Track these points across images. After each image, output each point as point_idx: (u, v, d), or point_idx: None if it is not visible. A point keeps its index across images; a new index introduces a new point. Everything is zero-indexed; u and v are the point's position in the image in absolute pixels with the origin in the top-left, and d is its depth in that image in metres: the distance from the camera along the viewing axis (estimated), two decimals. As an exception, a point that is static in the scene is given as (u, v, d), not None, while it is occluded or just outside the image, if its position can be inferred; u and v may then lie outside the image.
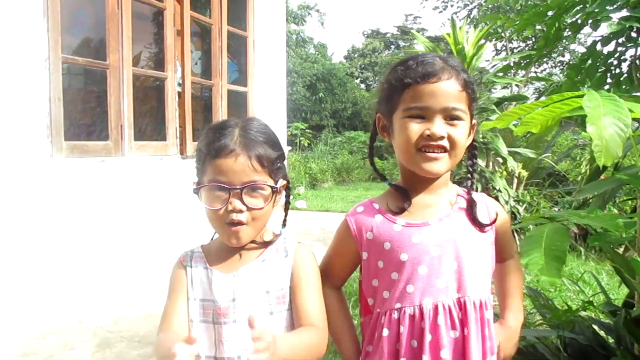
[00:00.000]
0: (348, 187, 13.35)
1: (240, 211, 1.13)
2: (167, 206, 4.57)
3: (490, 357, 1.15)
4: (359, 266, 1.26)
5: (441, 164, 1.13)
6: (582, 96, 1.15)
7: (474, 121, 1.20)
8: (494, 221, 1.21)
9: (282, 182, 1.22)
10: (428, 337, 1.11)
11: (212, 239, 1.31)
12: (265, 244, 1.23)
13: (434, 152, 1.12)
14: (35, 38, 3.51)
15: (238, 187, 1.13)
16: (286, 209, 1.32)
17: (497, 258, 1.24)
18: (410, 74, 1.12)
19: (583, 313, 2.39)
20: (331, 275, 1.28)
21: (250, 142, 1.15)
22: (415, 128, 1.11)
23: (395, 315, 1.15)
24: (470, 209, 1.20)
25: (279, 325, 1.18)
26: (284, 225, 1.32)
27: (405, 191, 1.20)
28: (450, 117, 1.12)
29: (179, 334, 1.14)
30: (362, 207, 1.24)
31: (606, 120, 1.05)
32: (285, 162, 1.26)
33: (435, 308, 1.12)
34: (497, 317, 1.30)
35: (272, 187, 1.16)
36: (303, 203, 9.41)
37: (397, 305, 1.14)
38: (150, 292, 3.98)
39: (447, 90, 1.11)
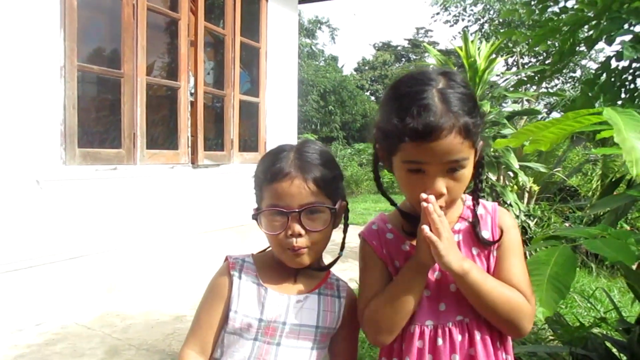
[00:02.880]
0: (357, 199, 13.34)
1: (300, 235, 1.12)
2: (177, 215, 4.59)
3: None
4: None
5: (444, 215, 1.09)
6: (595, 114, 1.15)
7: (480, 142, 1.11)
8: (499, 239, 1.16)
9: (340, 203, 1.21)
10: (428, 358, 1.11)
11: (263, 250, 1.28)
12: (322, 272, 1.25)
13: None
14: (52, 46, 3.56)
15: (296, 210, 1.12)
16: (345, 230, 1.31)
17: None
18: (406, 131, 1.00)
19: (595, 330, 2.37)
20: (370, 295, 1.18)
21: (305, 165, 1.14)
22: (415, 182, 1.06)
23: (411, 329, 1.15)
24: (473, 228, 1.16)
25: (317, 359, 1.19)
26: (342, 249, 1.31)
27: (413, 218, 1.14)
28: (451, 169, 1.05)
29: None
30: (375, 225, 1.23)
31: (631, 134, 1.04)
32: (342, 183, 1.25)
33: (435, 329, 1.12)
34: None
35: (330, 209, 1.16)
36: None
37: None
38: (160, 300, 3.99)
39: (447, 147, 1.01)
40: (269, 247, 1.24)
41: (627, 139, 1.01)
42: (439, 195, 1.04)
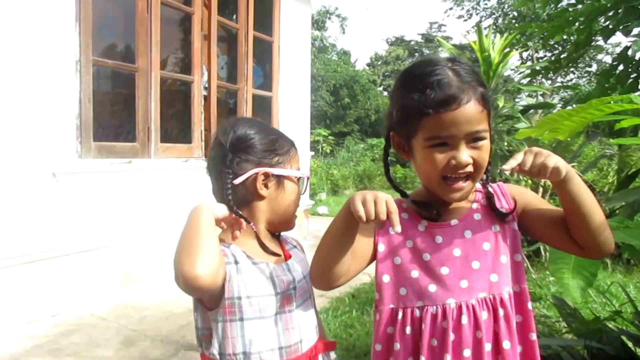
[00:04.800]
0: (369, 194, 13.31)
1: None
2: (191, 207, 4.62)
3: (518, 347, 1.14)
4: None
5: (465, 191, 1.10)
6: (618, 101, 1.14)
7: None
8: (514, 209, 1.17)
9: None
10: (451, 337, 1.10)
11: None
12: (279, 236, 1.32)
13: (458, 180, 1.09)
14: (67, 41, 3.60)
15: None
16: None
17: (549, 226, 1.15)
18: (428, 102, 1.03)
19: (610, 324, 2.35)
20: None
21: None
22: (440, 158, 1.06)
23: (417, 313, 1.13)
24: (489, 202, 1.18)
25: (313, 304, 1.27)
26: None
27: (429, 205, 1.17)
28: (474, 139, 1.06)
29: None
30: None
31: None
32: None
33: (459, 308, 1.11)
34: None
35: None
36: (325, 209, 9.42)
37: (419, 304, 1.13)
38: (174, 292, 4.02)
39: (469, 115, 1.04)
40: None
41: None
42: (465, 165, 1.05)
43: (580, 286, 1.32)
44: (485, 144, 1.08)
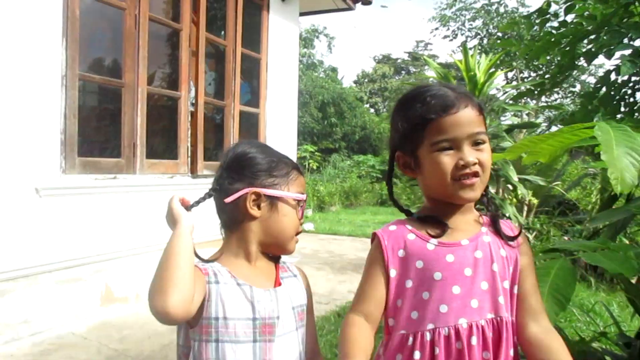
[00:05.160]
0: (356, 211, 13.33)
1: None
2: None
3: None
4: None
5: (477, 189, 1.16)
6: (591, 127, 1.16)
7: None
8: (519, 233, 1.22)
9: None
10: (466, 358, 1.10)
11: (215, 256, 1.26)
12: (278, 260, 1.30)
13: (468, 178, 1.14)
14: (53, 55, 3.57)
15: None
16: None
17: (521, 317, 1.18)
18: (431, 108, 1.15)
19: (595, 344, 2.35)
20: (363, 302, 1.19)
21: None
22: (448, 160, 1.14)
23: (427, 336, 1.12)
24: (494, 223, 1.22)
25: (299, 341, 1.22)
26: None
27: (436, 218, 1.20)
28: (476, 142, 1.15)
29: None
30: (394, 226, 1.23)
31: (620, 150, 1.05)
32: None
33: (470, 328, 1.12)
34: None
35: None
36: (311, 225, 9.39)
37: (430, 326, 1.12)
38: (156, 310, 3.96)
39: (469, 117, 1.15)
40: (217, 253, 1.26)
41: (614, 156, 1.02)
42: (472, 164, 1.13)
43: (553, 310, 1.32)
44: (487, 147, 1.17)
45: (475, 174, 1.14)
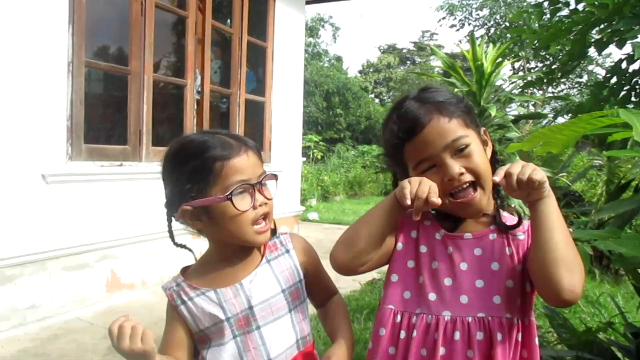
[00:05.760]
0: (360, 201, 13.32)
1: (266, 204, 1.15)
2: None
3: None
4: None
5: (477, 201, 1.10)
6: (606, 116, 1.15)
7: (482, 129, 1.17)
8: (519, 222, 1.16)
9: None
10: (441, 350, 1.08)
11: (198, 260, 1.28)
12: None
13: (464, 192, 1.09)
14: (60, 42, 3.57)
15: (257, 181, 1.14)
16: None
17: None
18: (396, 135, 1.12)
19: (600, 335, 2.35)
20: None
21: (243, 138, 1.19)
22: (435, 179, 1.08)
23: (414, 319, 1.13)
24: (496, 215, 1.18)
25: (299, 318, 1.21)
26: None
27: (448, 216, 1.19)
28: (457, 149, 1.09)
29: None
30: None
31: None
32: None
33: (453, 322, 1.10)
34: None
35: (275, 175, 1.19)
36: (315, 215, 9.40)
37: (418, 310, 1.13)
38: (163, 297, 3.99)
39: (436, 130, 1.09)
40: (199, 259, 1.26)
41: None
42: (458, 175, 1.08)
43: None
44: (472, 149, 1.10)
45: (473, 185, 1.09)
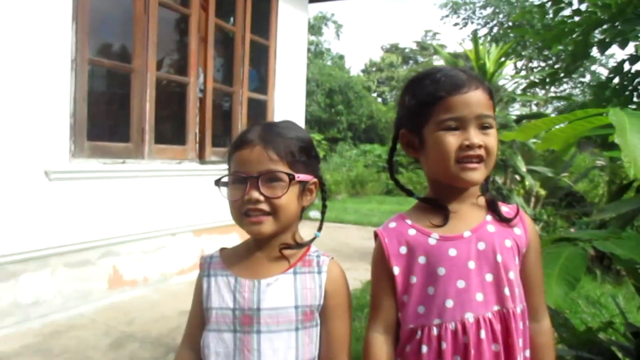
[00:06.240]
0: (362, 200, 13.33)
1: (257, 201, 1.13)
2: (184, 210, 4.60)
3: None
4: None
5: (479, 173, 1.13)
6: (601, 114, 1.15)
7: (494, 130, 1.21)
8: (517, 213, 1.19)
9: (307, 177, 1.19)
10: (472, 352, 1.08)
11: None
12: (299, 249, 1.21)
13: (472, 162, 1.11)
14: (64, 39, 3.58)
15: (254, 175, 1.13)
16: (322, 212, 1.31)
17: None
18: (441, 86, 1.12)
19: (601, 334, 2.36)
20: (378, 311, 1.21)
21: (268, 135, 1.16)
22: (453, 140, 1.11)
23: (434, 331, 1.12)
24: (493, 205, 1.19)
25: (305, 341, 1.16)
26: (319, 228, 1.29)
27: (440, 203, 1.18)
28: (483, 125, 1.12)
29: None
30: (394, 223, 1.21)
31: (634, 135, 1.05)
32: (315, 161, 1.24)
33: (477, 322, 1.10)
34: None
35: (289, 176, 1.14)
36: (316, 213, 9.40)
37: (437, 321, 1.12)
38: (164, 294, 4.01)
39: (478, 99, 1.12)
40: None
41: (629, 139, 1.02)
42: (477, 145, 1.10)
43: (564, 291, 1.33)
44: (493, 132, 1.14)
45: (480, 158, 1.11)
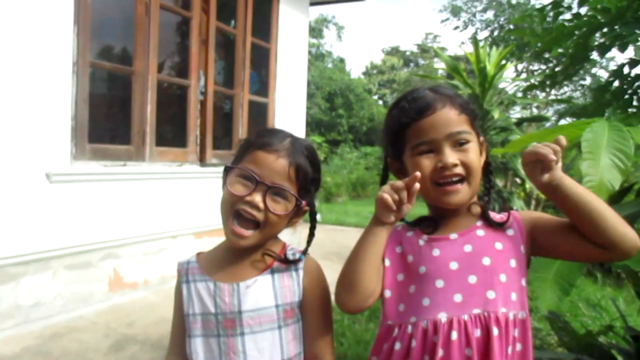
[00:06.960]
0: (362, 203, 13.33)
1: (256, 207, 1.12)
2: (185, 212, 4.61)
3: None
4: None
5: (461, 194, 1.13)
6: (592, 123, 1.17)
7: (481, 138, 1.20)
8: (508, 218, 1.18)
9: (303, 203, 1.20)
10: (440, 353, 1.07)
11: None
12: (281, 262, 1.20)
13: (451, 184, 1.12)
14: (65, 42, 3.58)
15: (267, 183, 1.13)
16: (310, 235, 1.33)
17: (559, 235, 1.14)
18: (406, 113, 1.15)
19: (601, 338, 2.36)
20: None
21: (296, 151, 1.17)
22: (427, 163, 1.12)
23: (409, 329, 1.12)
24: (484, 213, 1.19)
25: (288, 337, 1.18)
26: (306, 250, 1.27)
27: (425, 219, 1.22)
28: (457, 142, 1.12)
29: None
30: (400, 225, 1.24)
31: (607, 155, 1.07)
32: (314, 188, 1.25)
33: (450, 323, 1.09)
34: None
35: (296, 200, 1.16)
36: (317, 216, 9.41)
37: (413, 319, 1.12)
38: (165, 296, 4.01)
39: (446, 118, 1.12)
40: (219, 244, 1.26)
41: (602, 160, 1.04)
42: (452, 166, 1.10)
43: (557, 295, 1.33)
44: (471, 146, 1.14)
45: (460, 176, 1.12)
